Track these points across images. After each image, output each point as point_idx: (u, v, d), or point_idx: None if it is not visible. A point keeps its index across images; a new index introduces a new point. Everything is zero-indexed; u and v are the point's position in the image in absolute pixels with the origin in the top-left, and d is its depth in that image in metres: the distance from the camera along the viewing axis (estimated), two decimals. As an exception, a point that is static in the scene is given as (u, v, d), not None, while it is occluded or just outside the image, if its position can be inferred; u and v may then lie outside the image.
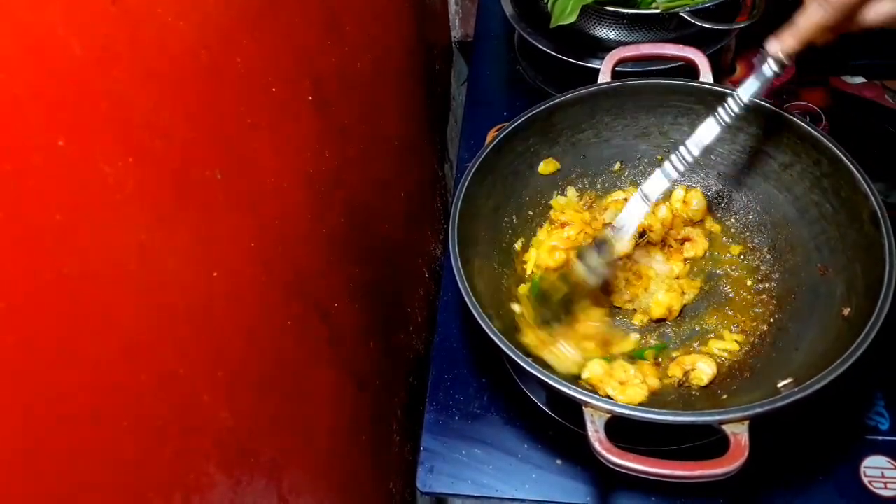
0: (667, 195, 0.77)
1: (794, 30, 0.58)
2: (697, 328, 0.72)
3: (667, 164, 0.66)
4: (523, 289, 0.73)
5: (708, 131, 0.65)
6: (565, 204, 0.79)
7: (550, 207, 0.79)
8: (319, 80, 0.57)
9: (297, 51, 0.53)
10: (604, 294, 0.73)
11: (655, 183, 0.67)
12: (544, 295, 0.70)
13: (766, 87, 0.62)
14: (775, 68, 0.61)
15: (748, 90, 0.63)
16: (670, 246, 0.77)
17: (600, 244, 0.69)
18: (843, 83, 0.96)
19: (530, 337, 0.66)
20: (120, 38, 0.32)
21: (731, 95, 0.64)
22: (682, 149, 0.65)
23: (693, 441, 0.67)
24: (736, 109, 0.64)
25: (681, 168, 0.66)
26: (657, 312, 0.72)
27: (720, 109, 0.64)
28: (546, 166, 0.78)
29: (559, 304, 0.69)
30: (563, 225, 0.76)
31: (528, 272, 0.75)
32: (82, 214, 0.30)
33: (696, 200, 0.78)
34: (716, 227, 0.78)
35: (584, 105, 0.76)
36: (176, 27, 0.36)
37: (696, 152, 0.65)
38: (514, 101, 1.01)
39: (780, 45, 0.60)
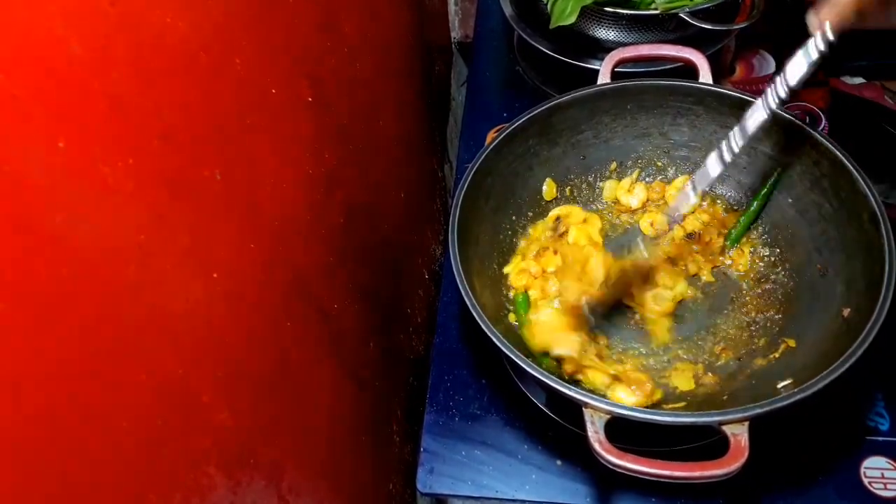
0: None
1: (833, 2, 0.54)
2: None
3: (714, 154, 0.64)
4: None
5: (754, 120, 0.62)
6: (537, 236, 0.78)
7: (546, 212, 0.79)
8: (318, 81, 0.57)
9: (296, 51, 0.53)
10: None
11: (703, 174, 0.65)
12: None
13: (812, 69, 0.57)
14: (822, 47, 0.55)
15: (795, 74, 0.58)
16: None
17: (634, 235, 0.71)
18: (842, 84, 0.96)
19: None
20: (119, 39, 0.32)
21: (777, 79, 0.60)
22: (729, 137, 0.63)
23: (693, 442, 0.67)
24: (783, 94, 0.60)
25: (727, 159, 0.63)
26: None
27: (766, 95, 0.61)
28: (549, 190, 0.79)
29: None
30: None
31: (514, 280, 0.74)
32: (82, 215, 0.30)
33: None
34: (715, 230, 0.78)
35: (584, 106, 0.76)
36: (175, 28, 0.36)
37: (742, 141, 0.62)
38: (513, 101, 1.01)
39: (821, 19, 0.53)
